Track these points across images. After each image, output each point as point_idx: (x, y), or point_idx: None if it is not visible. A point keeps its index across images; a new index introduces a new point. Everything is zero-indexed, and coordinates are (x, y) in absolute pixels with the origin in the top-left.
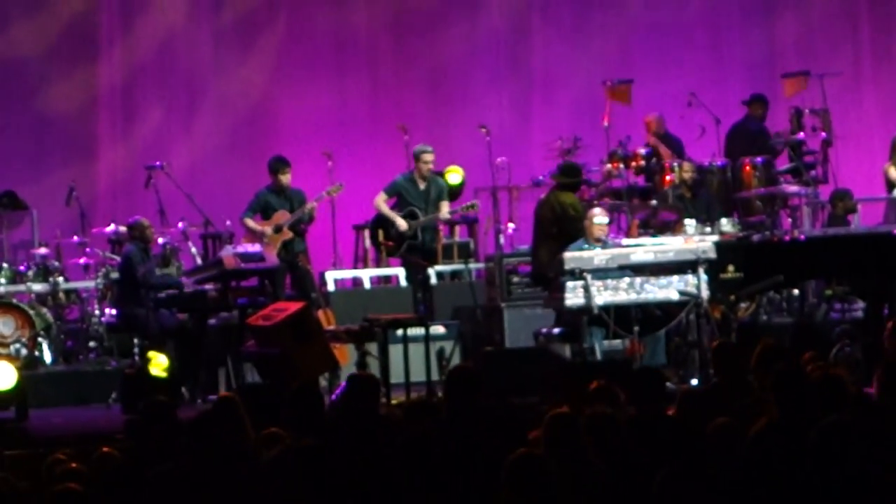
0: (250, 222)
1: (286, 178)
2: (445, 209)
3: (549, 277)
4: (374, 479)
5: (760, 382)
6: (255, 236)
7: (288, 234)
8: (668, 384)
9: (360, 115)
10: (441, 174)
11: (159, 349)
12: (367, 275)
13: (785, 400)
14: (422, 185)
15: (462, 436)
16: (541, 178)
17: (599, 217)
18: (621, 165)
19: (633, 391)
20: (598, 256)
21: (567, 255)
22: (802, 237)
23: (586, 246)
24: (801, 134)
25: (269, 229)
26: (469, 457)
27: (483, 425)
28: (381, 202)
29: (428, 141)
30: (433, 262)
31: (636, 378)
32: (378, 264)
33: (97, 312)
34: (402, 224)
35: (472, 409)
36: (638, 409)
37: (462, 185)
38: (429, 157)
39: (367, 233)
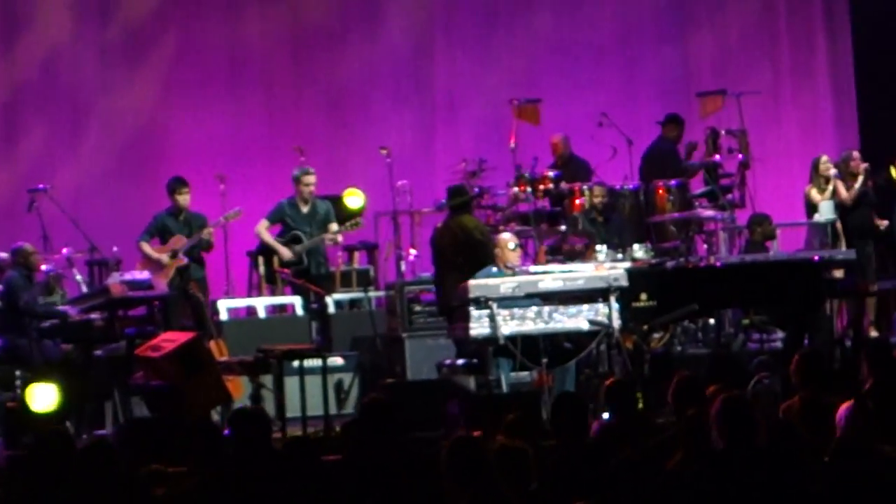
0: (146, 247)
1: (184, 200)
2: (332, 230)
3: (454, 307)
4: None
5: (678, 416)
6: (150, 262)
7: (183, 261)
8: None
9: (255, 136)
10: (339, 198)
11: (44, 381)
12: (261, 303)
13: (731, 429)
14: (304, 209)
15: (371, 470)
16: (444, 201)
17: (511, 242)
18: (528, 189)
19: (554, 420)
20: (504, 284)
21: (472, 282)
22: (718, 264)
23: (495, 272)
24: (718, 156)
25: (165, 255)
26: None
27: (396, 460)
28: (263, 230)
29: (327, 164)
30: (330, 290)
31: (557, 406)
32: (273, 292)
33: None
34: (284, 252)
35: (386, 442)
36: (560, 440)
37: (363, 209)
38: (309, 178)
39: (261, 259)
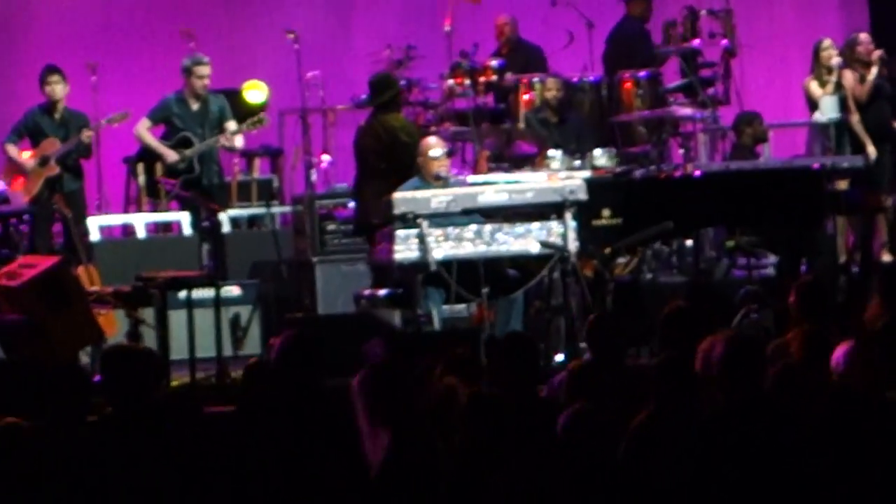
0: (12, 149)
1: (57, 92)
2: (230, 129)
3: (375, 225)
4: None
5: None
6: (14, 168)
7: (54, 169)
8: None
9: (133, 17)
10: (237, 92)
11: None
12: (140, 221)
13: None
14: (195, 106)
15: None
16: (363, 97)
17: (436, 148)
18: (467, 81)
19: (495, 365)
20: (436, 198)
21: (397, 195)
22: (698, 173)
23: (421, 185)
24: (697, 41)
25: (32, 161)
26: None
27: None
28: (144, 130)
29: (221, 50)
30: (224, 205)
31: (501, 348)
32: (155, 208)
33: None
34: (170, 156)
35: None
36: (505, 389)
37: (265, 104)
38: (202, 69)
39: (141, 167)
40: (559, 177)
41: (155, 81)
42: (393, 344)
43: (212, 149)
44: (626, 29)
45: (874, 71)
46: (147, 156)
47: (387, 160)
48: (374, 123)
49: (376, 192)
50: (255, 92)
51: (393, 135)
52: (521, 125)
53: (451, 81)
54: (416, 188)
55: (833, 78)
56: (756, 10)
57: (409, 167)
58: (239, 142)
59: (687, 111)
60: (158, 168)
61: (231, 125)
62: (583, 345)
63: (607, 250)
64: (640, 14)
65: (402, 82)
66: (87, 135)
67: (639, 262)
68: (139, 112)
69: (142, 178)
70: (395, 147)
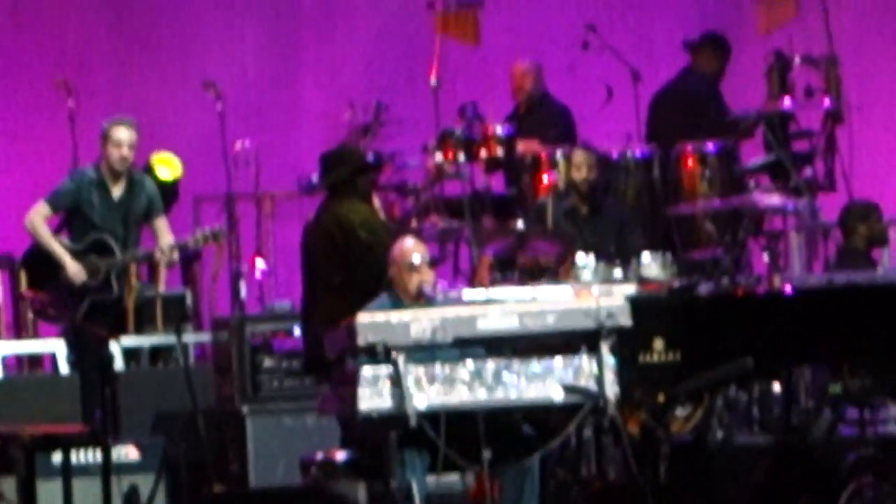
0: None
1: None
2: (167, 237)
3: (329, 361)
4: None
5: None
6: None
7: None
8: None
9: None
10: (145, 167)
11: None
12: None
13: None
14: (116, 192)
15: None
16: (314, 178)
17: (416, 253)
18: (461, 156)
19: None
20: (417, 322)
21: (362, 319)
22: (789, 289)
23: (396, 305)
24: (788, 101)
25: None
26: None
27: None
28: (39, 222)
29: (112, 109)
30: (119, 331)
31: None
32: (18, 334)
33: None
34: (73, 270)
35: None
36: None
37: (176, 183)
38: (125, 135)
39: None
40: (592, 293)
41: (27, 152)
42: None
43: (142, 259)
44: (690, 86)
45: None
46: (32, 260)
47: (343, 269)
48: (324, 217)
49: (330, 313)
50: (163, 168)
51: (349, 233)
52: (540, 220)
53: (438, 156)
54: (389, 309)
55: None
56: (872, 56)
57: (372, 279)
58: (175, 255)
59: (774, 200)
60: (22, 278)
61: (161, 225)
62: None
63: (661, 398)
64: (713, 69)
65: (369, 157)
66: None
67: (705, 414)
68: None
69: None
70: (353, 250)
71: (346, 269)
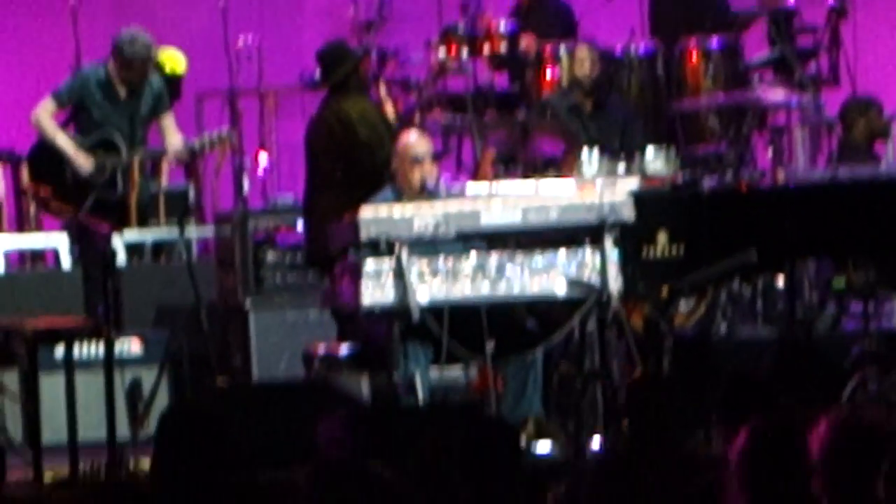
0: None
1: None
2: (175, 136)
3: (332, 254)
4: None
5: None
6: None
7: None
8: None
9: None
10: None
11: None
12: None
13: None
14: (123, 90)
15: None
16: (315, 74)
17: (418, 147)
18: (465, 52)
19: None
20: (420, 216)
21: (365, 213)
22: (792, 183)
23: (398, 199)
24: None
25: None
26: None
27: None
28: (46, 118)
29: (118, 5)
30: (121, 224)
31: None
32: (20, 227)
33: None
34: (83, 164)
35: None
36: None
37: (180, 78)
38: (147, 64)
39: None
40: (595, 187)
41: (26, 47)
42: (357, 424)
43: (151, 158)
44: None
45: None
46: (38, 155)
47: (343, 164)
48: (325, 113)
49: (332, 207)
50: (168, 62)
51: (349, 128)
52: (542, 115)
53: (441, 52)
54: (391, 202)
55: None
56: None
57: (373, 174)
58: (184, 149)
59: (778, 95)
60: (24, 171)
61: (168, 122)
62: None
63: (664, 292)
64: None
65: (371, 53)
66: None
67: (709, 308)
68: (6, 88)
69: (0, 187)
70: (353, 146)
71: (346, 164)
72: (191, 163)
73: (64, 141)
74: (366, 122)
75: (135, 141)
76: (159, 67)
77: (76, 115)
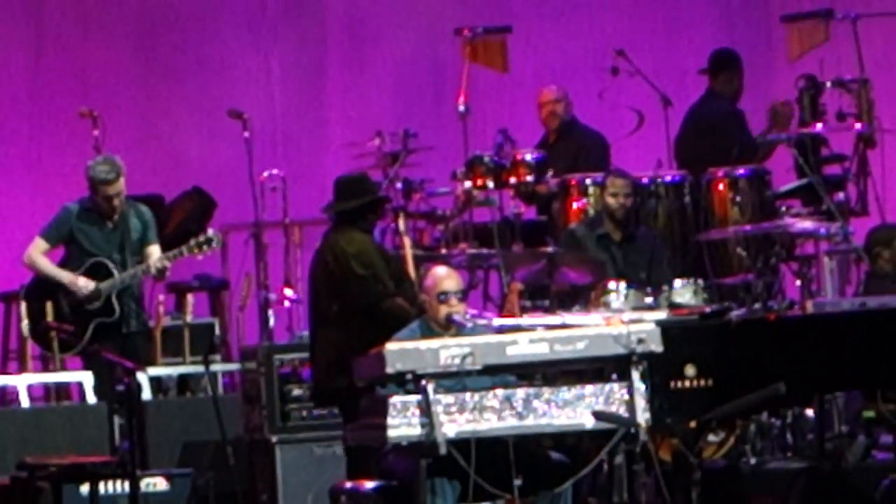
0: None
1: None
2: (156, 255)
3: (335, 391)
4: None
5: None
6: None
7: None
8: None
9: (11, 91)
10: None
11: None
12: (23, 383)
13: None
14: (111, 222)
15: None
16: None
17: (447, 281)
18: (490, 183)
19: None
20: (447, 350)
21: (391, 347)
22: (821, 314)
23: (426, 332)
24: (819, 125)
25: None
26: None
27: None
28: (37, 255)
29: (137, 139)
30: (148, 361)
31: None
32: (46, 366)
33: None
34: (82, 284)
35: None
36: None
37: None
38: (109, 189)
39: (23, 309)
40: (623, 319)
41: (45, 184)
42: None
43: (133, 282)
44: (710, 110)
45: None
46: (40, 290)
47: (339, 299)
48: (323, 246)
49: (331, 343)
50: None
51: (343, 262)
52: (570, 246)
53: (467, 184)
54: (418, 337)
55: None
56: None
57: (368, 309)
58: (160, 265)
59: (806, 225)
60: (49, 309)
61: (154, 251)
62: None
63: (693, 424)
64: (729, 89)
65: (398, 185)
66: None
67: (738, 440)
68: (22, 230)
69: (25, 324)
70: (348, 280)
71: (342, 299)
72: (216, 297)
73: (58, 271)
74: (362, 257)
75: (127, 267)
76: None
77: (68, 250)
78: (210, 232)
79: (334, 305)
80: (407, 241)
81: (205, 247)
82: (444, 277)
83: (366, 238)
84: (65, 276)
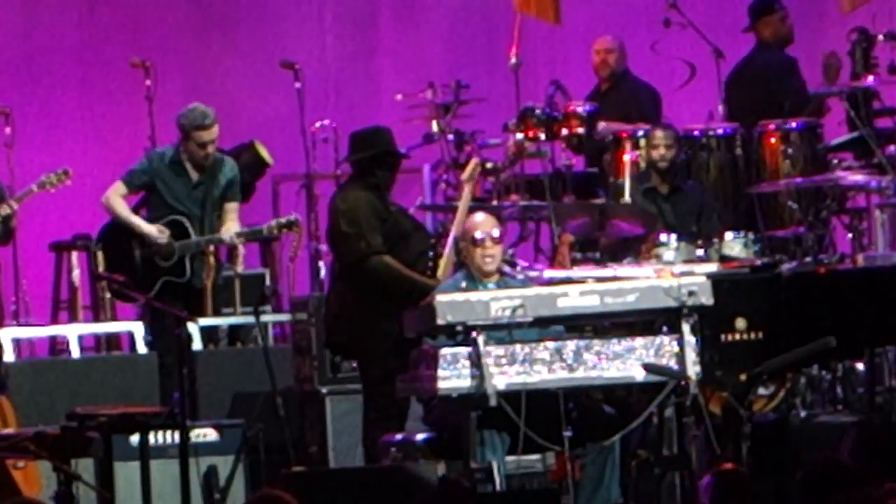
0: None
1: None
2: (233, 224)
3: (346, 342)
4: None
5: None
6: None
7: None
8: None
9: (64, 41)
10: (249, 147)
11: None
12: (74, 332)
13: None
14: (195, 175)
15: None
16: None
17: (482, 228)
18: (542, 135)
19: None
20: (497, 302)
21: (441, 298)
22: (874, 267)
23: (471, 284)
24: (872, 78)
25: None
26: None
27: None
28: (117, 199)
29: (189, 90)
30: (198, 312)
31: None
32: (97, 316)
33: None
34: (156, 235)
35: None
36: None
37: (268, 166)
38: (205, 134)
39: (75, 258)
40: (674, 272)
41: (98, 133)
42: None
43: (212, 243)
44: (760, 61)
45: None
46: (110, 237)
47: (336, 254)
48: (330, 201)
49: (334, 299)
50: (266, 151)
51: (334, 218)
52: (623, 198)
53: (519, 135)
54: (463, 288)
55: None
56: None
57: (354, 271)
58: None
59: (858, 178)
60: (100, 259)
61: (232, 208)
62: None
63: (743, 377)
64: (777, 37)
65: (450, 136)
66: (6, 209)
67: (788, 394)
68: (75, 177)
69: (76, 273)
70: (335, 236)
71: (335, 253)
72: (267, 248)
73: (134, 218)
74: (350, 216)
75: (206, 225)
76: (256, 151)
77: (148, 197)
78: (293, 215)
79: (336, 261)
80: (467, 189)
81: (285, 229)
82: (479, 223)
83: (361, 195)
84: (140, 224)
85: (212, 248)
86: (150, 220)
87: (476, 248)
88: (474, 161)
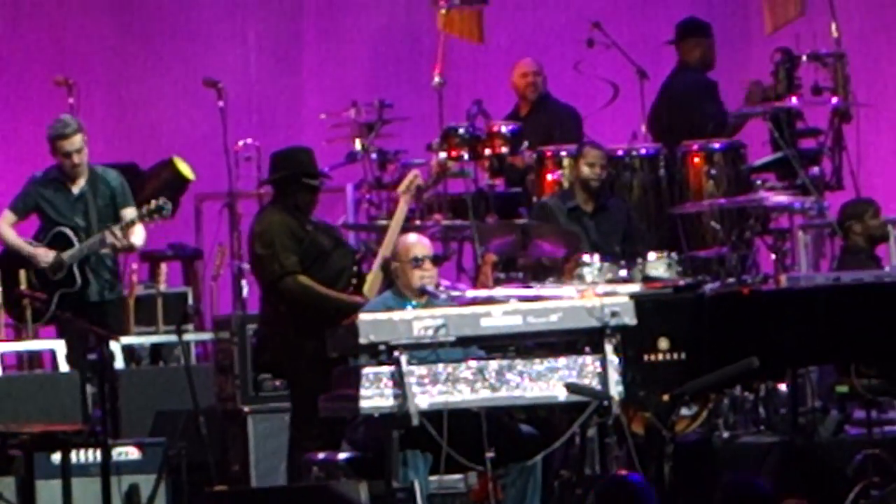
0: None
1: None
2: (127, 217)
3: (271, 363)
4: None
5: None
6: None
7: None
8: None
9: None
10: (166, 165)
11: None
12: None
13: None
14: (76, 188)
15: None
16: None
17: (417, 249)
18: (465, 155)
19: None
20: (419, 321)
21: (364, 318)
22: (797, 288)
23: (397, 303)
24: (794, 98)
25: None
26: None
27: None
28: (4, 226)
29: (112, 106)
30: (119, 330)
31: None
32: (18, 335)
33: None
34: (39, 253)
35: None
36: None
37: (189, 182)
38: (67, 142)
39: None
40: (596, 292)
41: (21, 153)
42: None
43: (97, 249)
44: (681, 83)
45: None
46: (11, 260)
47: (255, 276)
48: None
49: (264, 317)
50: (186, 167)
51: (250, 243)
52: (544, 218)
53: (442, 155)
54: (390, 307)
55: None
56: (879, 54)
57: (270, 292)
58: (138, 237)
59: (781, 199)
60: (22, 277)
61: (128, 213)
62: None
63: (665, 397)
64: (702, 60)
65: (373, 155)
66: None
67: (711, 414)
68: (4, 191)
69: None
70: (253, 259)
71: (256, 276)
72: (189, 266)
73: (21, 243)
74: (263, 235)
75: (90, 234)
76: (176, 168)
77: (40, 220)
78: (161, 200)
79: (257, 282)
80: (402, 202)
81: (155, 215)
82: (415, 243)
83: (276, 217)
84: (25, 247)
85: (106, 251)
86: (38, 238)
87: (415, 270)
88: (412, 173)
